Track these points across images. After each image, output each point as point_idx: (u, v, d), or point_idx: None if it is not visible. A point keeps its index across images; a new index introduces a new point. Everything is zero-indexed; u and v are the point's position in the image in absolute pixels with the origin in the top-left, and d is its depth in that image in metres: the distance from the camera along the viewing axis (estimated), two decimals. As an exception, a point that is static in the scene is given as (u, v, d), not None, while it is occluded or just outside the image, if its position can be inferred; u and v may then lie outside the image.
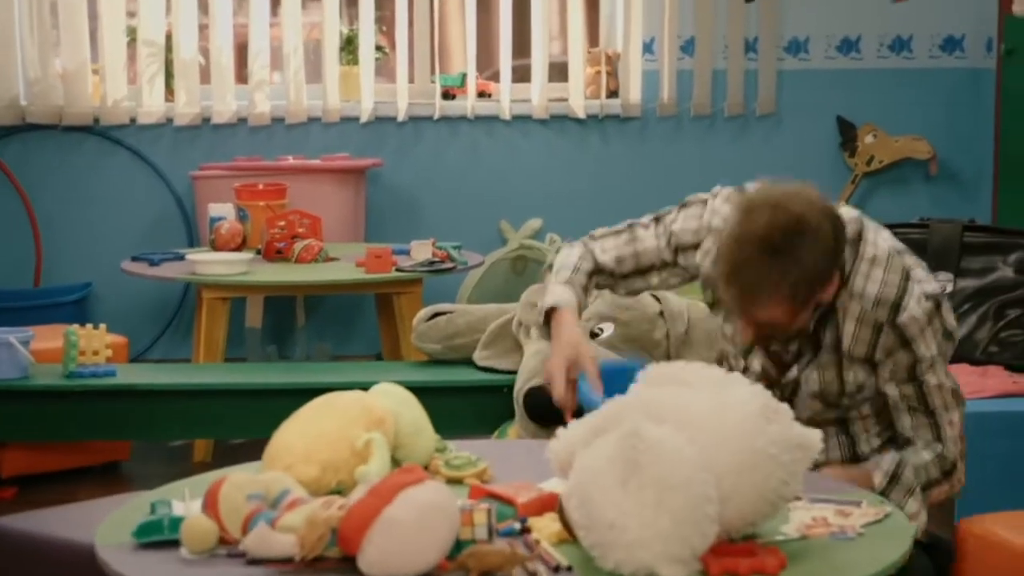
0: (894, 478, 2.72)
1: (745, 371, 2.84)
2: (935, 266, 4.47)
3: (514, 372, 4.46)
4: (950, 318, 2.73)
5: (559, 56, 6.40)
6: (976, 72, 6.29)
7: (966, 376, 4.24)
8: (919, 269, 2.74)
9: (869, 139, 6.26)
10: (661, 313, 4.16)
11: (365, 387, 4.49)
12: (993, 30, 6.10)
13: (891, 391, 2.74)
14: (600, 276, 2.97)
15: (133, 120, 6.09)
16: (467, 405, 4.56)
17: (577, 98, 6.23)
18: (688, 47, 6.27)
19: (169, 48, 6.06)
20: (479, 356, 4.52)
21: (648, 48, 6.25)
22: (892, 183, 6.31)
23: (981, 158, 6.19)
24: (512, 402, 4.43)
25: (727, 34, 6.25)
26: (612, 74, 6.32)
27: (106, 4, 6.01)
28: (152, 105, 6.07)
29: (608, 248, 2.96)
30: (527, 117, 6.23)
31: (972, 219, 4.91)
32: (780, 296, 2.57)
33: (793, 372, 2.78)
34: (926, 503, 2.76)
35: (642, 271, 2.95)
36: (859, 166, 6.26)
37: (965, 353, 4.38)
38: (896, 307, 2.66)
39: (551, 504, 2.20)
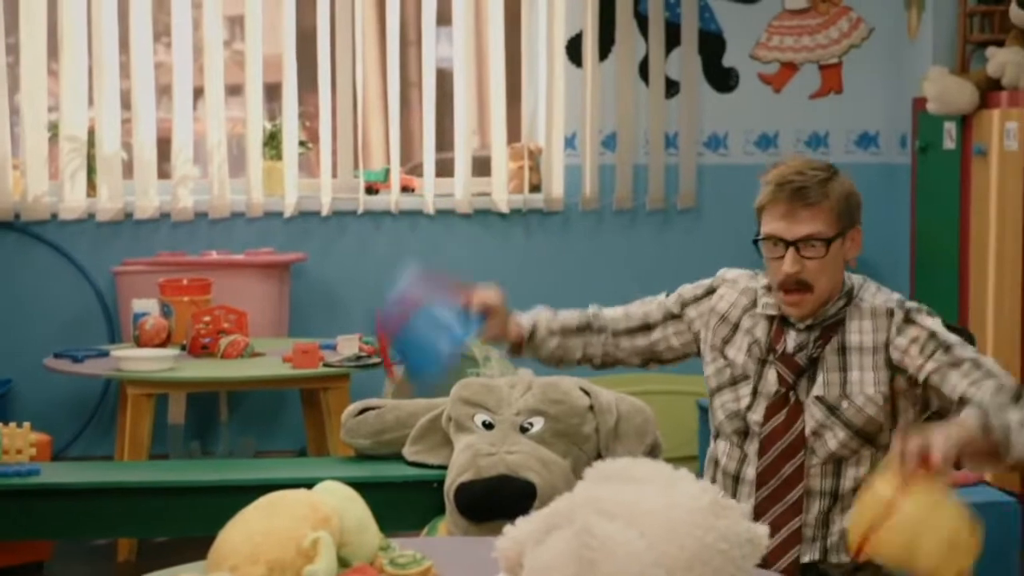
0: (982, 411, 2.77)
1: (752, 404, 3.07)
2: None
3: (444, 467, 4.45)
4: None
5: (481, 151, 6.45)
6: (891, 167, 6.41)
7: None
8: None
9: (788, 233, 6.34)
10: (591, 407, 4.18)
11: (292, 484, 4.46)
12: (907, 126, 6.23)
13: (930, 366, 2.94)
14: (596, 333, 3.30)
15: (54, 215, 6.06)
16: (397, 500, 4.54)
17: (500, 192, 6.28)
18: (609, 142, 6.35)
19: (91, 143, 6.05)
20: (409, 451, 4.51)
21: (570, 143, 6.32)
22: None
23: (897, 251, 6.30)
24: (443, 497, 4.43)
25: (648, 129, 6.34)
26: (535, 168, 6.38)
27: (27, 98, 5.99)
28: (74, 200, 6.05)
29: (617, 308, 3.29)
30: (451, 211, 6.27)
31: (894, 312, 4.99)
32: (827, 198, 2.94)
33: (803, 383, 3.02)
34: None
35: (647, 327, 3.25)
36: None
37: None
38: (902, 302, 3.04)
39: None
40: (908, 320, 3.00)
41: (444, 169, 6.30)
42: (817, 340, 3.03)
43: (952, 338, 2.97)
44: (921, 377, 2.96)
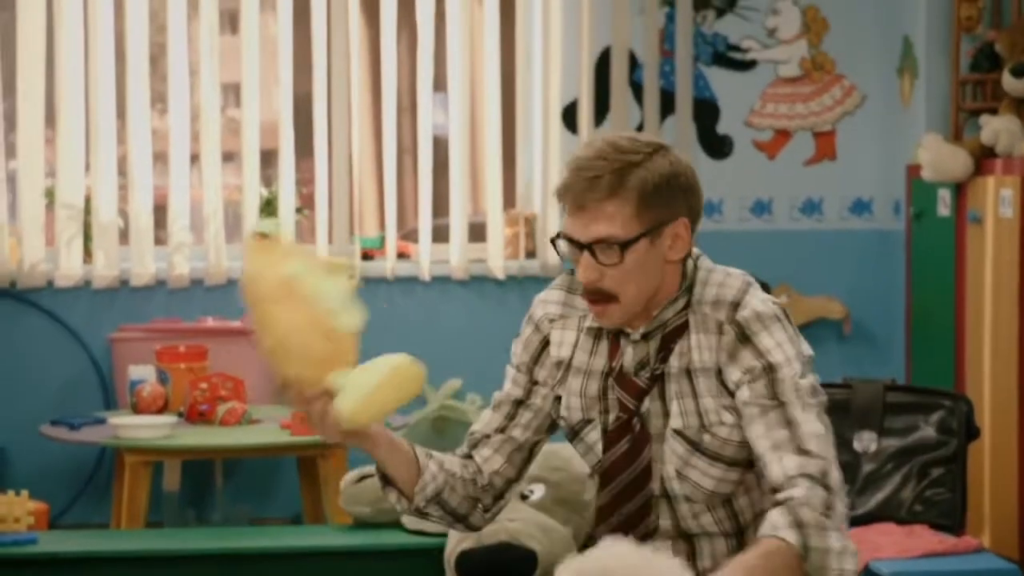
0: (799, 524, 2.34)
1: (606, 412, 2.61)
2: (859, 425, 4.56)
3: (444, 535, 4.46)
4: (797, 333, 2.56)
5: (476, 217, 6.48)
6: (885, 234, 6.45)
7: (892, 536, 4.31)
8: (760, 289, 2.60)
9: (783, 299, 6.38)
10: (592, 474, 4.19)
11: (288, 551, 4.48)
12: (901, 193, 6.28)
13: (742, 395, 2.48)
14: (479, 447, 2.75)
15: (50, 283, 6.07)
16: (397, 569, 4.54)
17: (496, 259, 6.30)
18: (605, 209, 6.37)
19: (87, 210, 6.07)
20: (408, 520, 4.52)
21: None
22: (807, 342, 6.40)
23: (893, 318, 6.33)
24: (443, 565, 4.43)
25: (643, 196, 6.36)
26: (530, 235, 6.40)
27: (23, 165, 6.02)
28: (70, 267, 6.06)
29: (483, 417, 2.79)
30: (446, 278, 6.29)
31: (893, 379, 5.01)
32: (622, 191, 2.44)
33: (646, 403, 2.57)
34: (846, 533, 2.41)
35: (511, 414, 2.72)
36: (774, 325, 6.36)
37: (890, 512, 4.45)
38: (735, 305, 2.53)
39: None
40: (743, 339, 2.50)
41: (439, 235, 6.33)
42: (659, 353, 2.56)
43: (786, 372, 2.47)
44: (738, 402, 2.50)
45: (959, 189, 5.67)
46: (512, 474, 2.75)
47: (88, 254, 6.11)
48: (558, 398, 2.69)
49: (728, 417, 2.53)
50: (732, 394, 2.51)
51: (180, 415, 5.16)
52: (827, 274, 6.45)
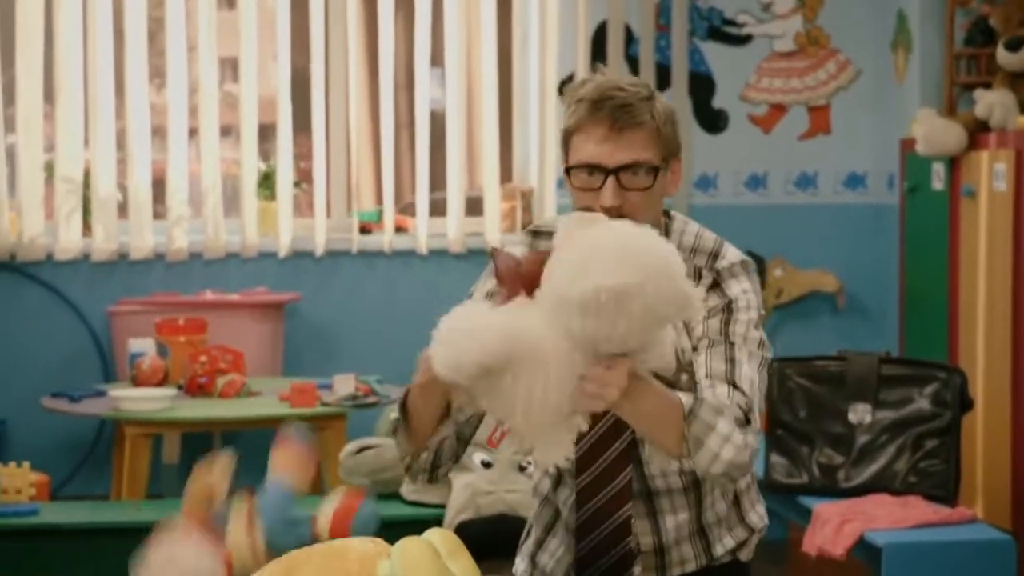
0: (698, 399, 2.39)
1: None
2: (854, 398, 4.57)
3: (443, 506, 4.47)
4: (760, 292, 2.60)
5: (473, 191, 6.48)
6: (879, 207, 6.45)
7: (887, 507, 4.32)
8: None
9: (778, 272, 6.39)
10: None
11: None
12: (895, 167, 6.27)
13: (697, 330, 2.51)
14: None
15: (50, 256, 6.06)
16: (395, 539, 4.55)
17: (493, 232, 6.30)
18: (601, 183, 6.37)
19: (87, 184, 6.06)
20: (407, 490, 4.53)
21: (561, 184, 6.34)
22: (801, 316, 6.43)
23: (886, 291, 6.33)
24: (441, 536, 4.44)
25: (639, 170, 6.36)
26: (527, 209, 6.40)
27: (23, 139, 6.01)
28: (69, 241, 6.06)
29: None
30: (444, 251, 6.29)
31: (887, 352, 5.02)
32: (651, 120, 2.47)
33: None
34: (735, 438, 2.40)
35: None
36: (768, 299, 6.37)
37: (885, 483, 4.46)
38: (715, 255, 2.56)
39: None
40: (715, 285, 2.55)
41: (437, 209, 6.33)
42: None
43: (742, 316, 2.52)
44: (694, 337, 2.53)
45: (953, 163, 5.67)
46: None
47: (87, 227, 6.11)
48: None
49: (686, 342, 2.54)
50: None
51: (180, 387, 5.16)
52: (822, 248, 6.46)
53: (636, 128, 2.46)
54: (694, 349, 2.53)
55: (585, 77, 2.58)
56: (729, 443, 2.37)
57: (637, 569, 2.62)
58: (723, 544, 2.65)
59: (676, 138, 2.54)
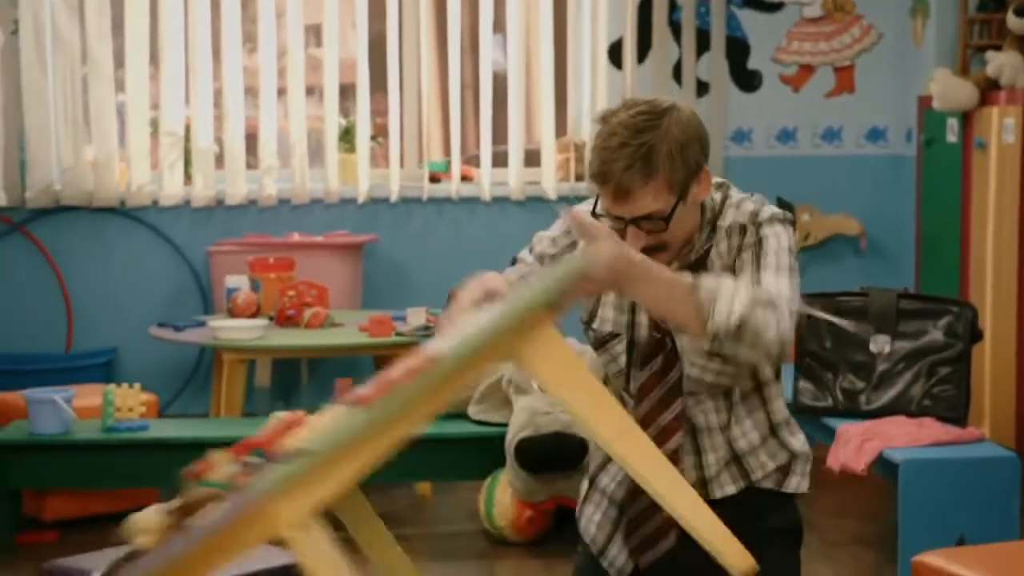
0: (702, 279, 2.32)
1: (633, 326, 2.54)
2: (874, 329, 4.53)
3: (505, 425, 4.48)
4: (794, 243, 2.49)
5: (531, 144, 6.45)
6: (898, 158, 6.37)
7: (904, 427, 4.29)
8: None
9: (805, 218, 6.33)
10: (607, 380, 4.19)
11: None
12: (912, 122, 6.19)
13: (734, 261, 2.45)
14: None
15: (155, 202, 6.09)
16: (462, 455, 4.57)
17: (549, 182, 6.27)
18: (646, 137, 6.32)
19: (187, 137, 6.07)
20: (473, 410, 4.54)
21: (611, 137, 6.30)
22: (826, 257, 6.38)
23: (904, 234, 6.27)
24: (504, 452, 4.45)
25: (680, 125, 6.31)
26: (580, 160, 6.37)
27: (132, 98, 6.02)
28: (172, 188, 6.08)
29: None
30: (505, 198, 6.27)
31: (905, 288, 4.97)
32: (654, 173, 2.35)
33: None
34: (752, 309, 2.29)
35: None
36: (797, 242, 6.32)
37: (902, 407, 4.43)
38: (756, 213, 2.48)
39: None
40: (756, 233, 2.46)
41: (499, 161, 6.30)
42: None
43: (773, 261, 2.42)
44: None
45: (966, 118, 5.58)
46: None
47: (188, 177, 6.13)
48: (591, 313, 2.59)
49: None
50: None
51: (270, 319, 5.19)
52: (845, 195, 6.39)
53: (641, 189, 2.35)
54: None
55: (609, 124, 2.39)
56: (738, 297, 2.27)
57: None
58: (763, 468, 2.59)
59: (692, 161, 2.39)
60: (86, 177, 6.02)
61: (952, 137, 5.68)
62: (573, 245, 2.55)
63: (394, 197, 6.21)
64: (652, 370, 2.54)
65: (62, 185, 6.01)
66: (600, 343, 2.59)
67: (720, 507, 2.48)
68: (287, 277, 5.37)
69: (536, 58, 6.33)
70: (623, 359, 2.57)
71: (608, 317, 2.58)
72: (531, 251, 2.63)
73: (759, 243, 2.46)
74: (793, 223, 2.54)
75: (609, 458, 2.65)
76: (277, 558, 3.11)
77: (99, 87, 5.97)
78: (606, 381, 2.61)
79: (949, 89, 5.56)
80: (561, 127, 6.46)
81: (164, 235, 6.13)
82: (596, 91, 6.24)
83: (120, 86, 6.08)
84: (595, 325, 2.58)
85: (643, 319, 2.54)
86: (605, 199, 2.41)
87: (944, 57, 5.97)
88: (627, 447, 2.05)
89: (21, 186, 5.97)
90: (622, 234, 2.42)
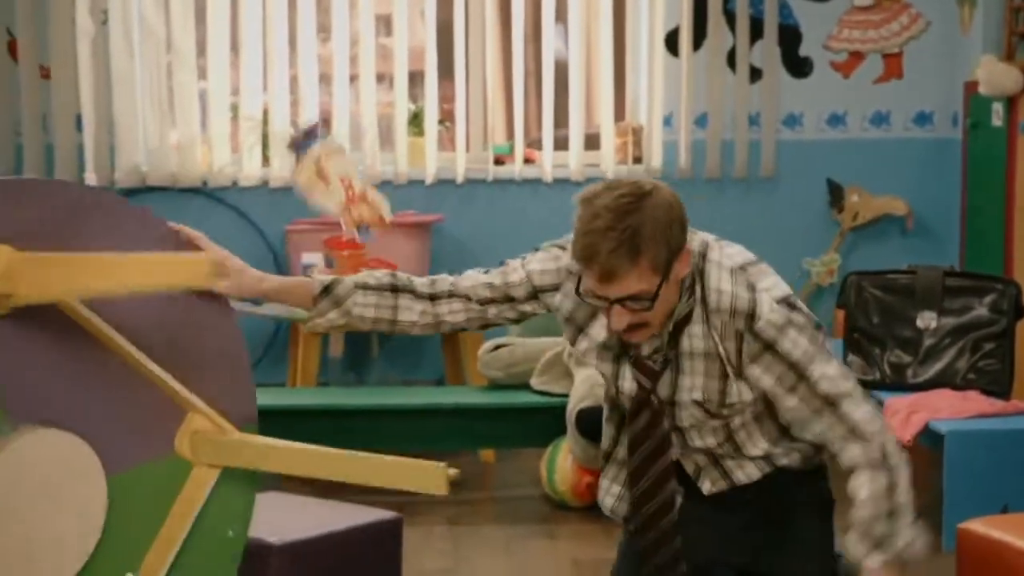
0: (878, 544, 2.41)
1: (618, 394, 2.55)
2: (921, 306, 4.50)
3: (566, 395, 4.49)
4: (804, 311, 2.45)
5: (591, 129, 6.44)
6: (944, 141, 6.31)
7: (948, 400, 4.27)
8: (763, 278, 2.47)
9: (854, 198, 6.29)
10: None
11: (433, 408, 4.52)
12: (958, 106, 6.13)
13: (790, 403, 2.44)
14: (452, 300, 2.61)
15: (235, 183, 6.14)
16: (525, 423, 4.59)
17: (608, 164, 6.26)
18: (701, 121, 6.31)
19: (265, 122, 6.12)
20: (535, 381, 4.55)
21: (667, 122, 6.29)
22: (874, 236, 6.33)
23: (950, 214, 6.21)
24: (564, 421, 4.47)
25: (734, 110, 6.29)
26: (637, 143, 6.36)
27: (213, 85, 6.07)
28: (251, 170, 6.13)
29: (468, 276, 2.64)
30: (566, 180, 6.27)
31: (951, 266, 4.93)
32: (639, 255, 2.31)
33: (665, 380, 2.48)
34: (912, 512, 2.43)
35: (497, 300, 2.58)
36: (846, 221, 6.29)
37: (947, 380, 4.41)
38: (751, 316, 2.41)
39: None
40: (767, 347, 2.42)
41: (560, 144, 6.30)
42: (670, 340, 2.46)
43: (815, 371, 2.41)
44: (778, 403, 2.46)
45: (1011, 102, 5.52)
46: (461, 328, 2.67)
47: (266, 159, 6.17)
48: (575, 337, 2.56)
49: (748, 394, 2.45)
50: (744, 377, 2.44)
51: (344, 294, 5.21)
52: (893, 177, 6.34)
53: (627, 271, 2.32)
54: (754, 388, 2.44)
55: (592, 208, 2.37)
56: (917, 536, 2.44)
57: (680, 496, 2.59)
58: (788, 456, 2.56)
59: (673, 243, 2.36)
60: (170, 159, 6.08)
61: (997, 121, 5.62)
62: (556, 288, 2.53)
63: (460, 179, 6.22)
64: (640, 424, 2.52)
65: (148, 166, 6.08)
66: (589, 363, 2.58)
67: (745, 489, 2.53)
68: (359, 254, 5.40)
69: (596, 46, 6.31)
70: (610, 384, 2.56)
71: (591, 361, 2.55)
72: (524, 263, 2.59)
73: (798, 373, 2.41)
74: (791, 306, 2.44)
75: (620, 432, 2.64)
76: (365, 516, 3.10)
77: (183, 74, 6.02)
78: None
79: (995, 75, 5.50)
80: (619, 112, 6.45)
81: (244, 214, 6.18)
82: (653, 78, 6.22)
83: (202, 73, 6.13)
84: (581, 349, 2.54)
85: (626, 385, 2.52)
86: (589, 280, 2.37)
87: (990, 44, 5.90)
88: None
89: (111, 167, 6.05)
90: (606, 313, 2.41)
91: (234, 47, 6.08)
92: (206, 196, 6.16)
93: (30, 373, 2.22)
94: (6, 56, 5.97)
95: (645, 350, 2.48)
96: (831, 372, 2.43)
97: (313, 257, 5.37)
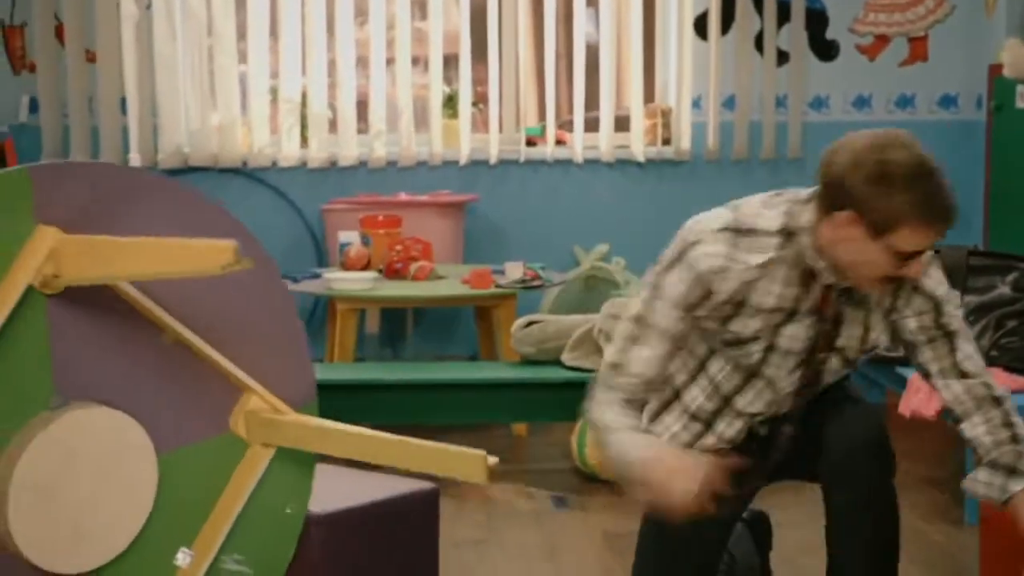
0: (1013, 470, 2.53)
1: (775, 338, 2.52)
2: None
3: (596, 371, 4.47)
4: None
5: (621, 110, 6.41)
6: (968, 124, 6.25)
7: (972, 376, 4.22)
8: None
9: (879, 179, 6.22)
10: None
11: (467, 383, 4.50)
12: (983, 89, 6.07)
13: (910, 324, 2.53)
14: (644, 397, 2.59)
15: (274, 163, 6.14)
16: (556, 398, 4.57)
17: (637, 145, 6.23)
18: (729, 103, 6.27)
19: (304, 104, 6.11)
20: (567, 357, 4.53)
21: (696, 104, 6.25)
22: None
23: (974, 195, 6.15)
24: (595, 395, 4.44)
25: (762, 92, 6.24)
26: (666, 125, 6.32)
27: (253, 68, 6.06)
28: (290, 151, 6.12)
29: (639, 363, 2.55)
30: (596, 161, 6.24)
31: (975, 245, 4.88)
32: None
33: (841, 334, 2.54)
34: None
35: (675, 344, 2.53)
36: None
37: (970, 357, 4.36)
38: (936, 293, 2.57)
39: None
40: (915, 286, 2.53)
41: (590, 126, 6.27)
42: (840, 296, 2.53)
43: (952, 309, 2.55)
44: (910, 339, 2.56)
45: (1035, 85, 5.46)
46: None
47: (304, 140, 6.16)
48: (726, 318, 2.53)
49: (883, 340, 2.59)
50: (894, 323, 2.55)
51: (380, 271, 5.21)
52: (917, 158, 6.27)
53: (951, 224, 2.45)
54: (907, 343, 2.56)
55: (929, 163, 2.51)
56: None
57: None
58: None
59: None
60: (212, 140, 6.08)
61: (1021, 103, 5.56)
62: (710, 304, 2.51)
63: (493, 159, 6.20)
64: (796, 377, 2.57)
65: (190, 148, 6.08)
66: (736, 341, 2.54)
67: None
68: (395, 233, 5.39)
69: (626, 29, 6.27)
70: (757, 356, 2.55)
71: (746, 332, 2.53)
72: (659, 295, 2.51)
73: (937, 308, 2.54)
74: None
75: (699, 371, 2.63)
76: (403, 486, 3.08)
77: (223, 58, 6.01)
78: (718, 348, 2.59)
79: (1019, 57, 5.42)
80: (649, 94, 6.41)
81: (283, 193, 6.18)
82: (682, 61, 6.18)
83: (242, 57, 6.12)
84: (734, 328, 2.52)
85: (788, 331, 2.52)
86: (919, 237, 2.38)
87: (1014, 27, 5.83)
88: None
89: (154, 149, 6.05)
90: (893, 266, 2.40)
91: (273, 32, 6.07)
92: (246, 176, 6.15)
93: (81, 352, 2.21)
94: (53, 41, 5.98)
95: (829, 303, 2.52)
96: (959, 312, 2.57)
97: (350, 236, 5.37)
